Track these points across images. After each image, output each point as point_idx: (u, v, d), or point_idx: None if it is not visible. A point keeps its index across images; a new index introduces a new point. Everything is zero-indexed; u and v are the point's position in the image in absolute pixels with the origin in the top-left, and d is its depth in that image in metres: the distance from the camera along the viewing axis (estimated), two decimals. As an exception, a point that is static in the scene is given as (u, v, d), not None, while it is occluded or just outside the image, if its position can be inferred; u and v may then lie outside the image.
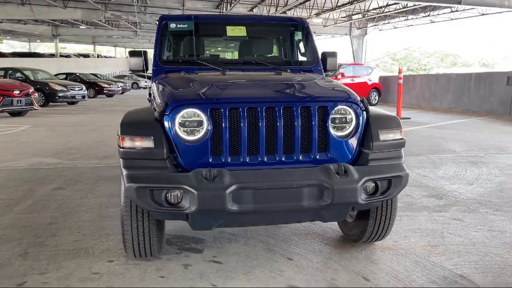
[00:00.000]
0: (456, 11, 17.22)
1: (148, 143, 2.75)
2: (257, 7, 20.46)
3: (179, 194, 2.62)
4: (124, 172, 2.74)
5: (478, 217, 4.21)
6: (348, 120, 2.98)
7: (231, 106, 2.80)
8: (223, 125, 2.77)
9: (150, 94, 4.06)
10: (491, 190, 5.15)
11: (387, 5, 17.53)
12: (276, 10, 18.71)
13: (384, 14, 19.83)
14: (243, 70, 4.04)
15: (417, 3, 12.37)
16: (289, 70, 4.10)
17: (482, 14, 17.82)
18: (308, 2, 16.72)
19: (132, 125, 2.88)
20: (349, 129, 2.98)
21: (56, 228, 3.81)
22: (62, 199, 4.63)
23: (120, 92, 27.16)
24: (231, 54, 4.66)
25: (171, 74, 3.90)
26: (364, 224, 3.29)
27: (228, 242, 3.53)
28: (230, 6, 18.62)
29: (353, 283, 2.89)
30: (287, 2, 17.11)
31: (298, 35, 4.47)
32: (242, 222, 3.01)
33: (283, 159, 2.86)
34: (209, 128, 2.78)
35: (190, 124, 2.81)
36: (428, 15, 18.31)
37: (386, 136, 3.01)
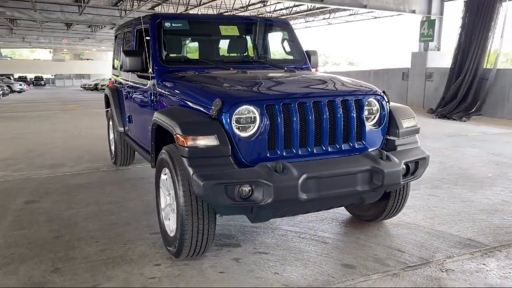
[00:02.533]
0: (355, 14, 18.92)
1: (212, 141, 2.80)
2: (161, 5, 19.96)
3: (249, 188, 2.71)
4: (191, 171, 2.74)
5: (445, 192, 4.88)
6: (374, 111, 3.33)
7: (284, 102, 2.97)
8: (278, 120, 2.92)
9: (155, 94, 3.97)
10: (439, 170, 5.94)
11: (294, 5, 18.38)
12: (186, 9, 18.45)
13: (290, 15, 20.80)
14: (246, 68, 4.16)
15: (326, 5, 13.32)
16: (286, 68, 4.33)
17: (375, 17, 19.83)
18: (216, 1, 16.90)
19: (192, 124, 2.89)
20: (376, 119, 3.33)
21: (68, 241, 3.57)
22: (46, 212, 4.28)
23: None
24: (225, 53, 4.71)
25: (184, 73, 3.88)
26: (384, 204, 3.66)
27: (257, 234, 3.66)
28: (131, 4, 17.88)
29: (391, 256, 3.24)
30: (200, 2, 16.95)
31: (286, 35, 4.71)
32: (302, 209, 3.17)
33: (328, 149, 3.10)
34: (264, 124, 2.90)
35: (245, 121, 2.91)
36: (328, 17, 19.75)
37: (407, 123, 3.42)
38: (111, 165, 6.24)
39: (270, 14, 19.87)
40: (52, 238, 3.63)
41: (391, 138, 3.37)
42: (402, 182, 3.15)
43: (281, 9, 19.99)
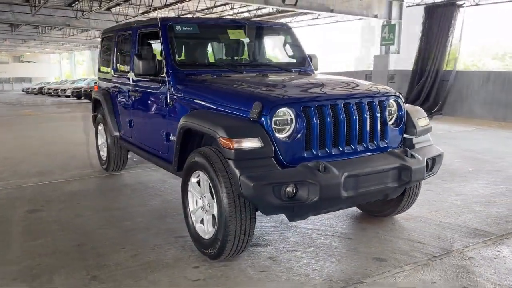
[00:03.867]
0: (317, 18, 19.41)
1: (256, 143, 2.88)
2: (77, 2, 19.20)
3: (294, 187, 2.82)
4: (239, 172, 2.81)
5: (438, 186, 5.21)
6: (393, 111, 3.55)
7: (319, 104, 3.10)
8: (314, 121, 3.05)
9: (172, 98, 3.96)
10: (423, 166, 6.28)
11: (215, 6, 18.30)
12: (99, 6, 18.01)
13: (253, 18, 20.87)
14: (257, 71, 4.27)
15: (295, 9, 13.64)
16: (293, 71, 4.48)
17: (337, 21, 20.43)
18: (180, 4, 16.69)
19: (236, 127, 2.96)
20: (395, 119, 3.54)
21: (92, 249, 3.50)
22: (55, 221, 4.16)
23: None
24: (234, 56, 4.77)
25: (202, 76, 3.92)
26: (399, 200, 3.88)
27: (281, 234, 3.76)
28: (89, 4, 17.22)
29: (414, 248, 3.46)
30: (165, 3, 16.60)
31: (288, 38, 4.84)
32: (337, 207, 3.31)
33: (357, 148, 3.27)
34: (300, 125, 3.02)
35: (281, 122, 3.02)
36: (290, 21, 20.09)
37: (422, 122, 3.66)
38: (102, 171, 6.10)
39: (235, 17, 19.90)
40: (74, 247, 3.55)
41: (409, 137, 3.59)
42: (425, 178, 3.37)
43: (243, 12, 20.12)
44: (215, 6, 18.57)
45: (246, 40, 4.71)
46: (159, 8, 17.75)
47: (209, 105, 3.49)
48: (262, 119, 2.97)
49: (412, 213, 4.24)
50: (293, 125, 3.04)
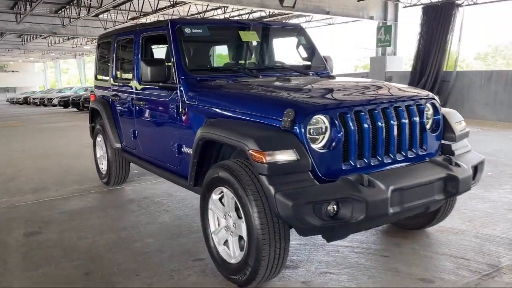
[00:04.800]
0: (310, 21, 19.19)
1: (291, 155, 2.56)
2: (64, 9, 18.74)
3: (335, 205, 2.50)
4: (273, 189, 2.48)
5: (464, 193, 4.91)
6: (429, 115, 3.25)
7: (356, 110, 2.79)
8: (351, 129, 2.74)
9: (184, 106, 3.61)
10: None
11: (206, 10, 17.97)
12: (88, 13, 17.56)
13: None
14: (275, 75, 3.96)
15: (290, 12, 13.39)
16: (311, 74, 4.18)
17: (330, 24, 20.27)
18: (125, 4, 16.20)
19: (268, 138, 2.63)
20: (433, 124, 3.25)
21: (103, 277, 3.14)
22: (57, 245, 3.77)
23: None
24: (247, 60, 4.45)
25: (217, 82, 3.59)
26: (435, 211, 3.57)
27: (309, 253, 3.43)
28: (31, 6, 16.68)
29: (459, 265, 3.16)
30: (101, 3, 16.16)
31: (302, 40, 4.53)
32: (377, 224, 3.00)
33: (396, 157, 2.96)
34: (336, 134, 2.71)
35: (316, 131, 2.71)
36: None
37: (460, 127, 3.37)
38: (102, 185, 5.71)
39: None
40: (82, 276, 3.17)
41: (447, 143, 3.30)
42: (470, 188, 3.08)
43: (234, 16, 19.77)
44: (206, 11, 18.24)
45: (259, 42, 4.38)
46: (149, 14, 17.35)
47: (228, 113, 3.15)
48: (295, 128, 2.65)
49: (444, 224, 3.94)
50: (327, 134, 2.73)
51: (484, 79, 11.26)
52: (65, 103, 25.52)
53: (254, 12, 18.27)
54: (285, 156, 2.55)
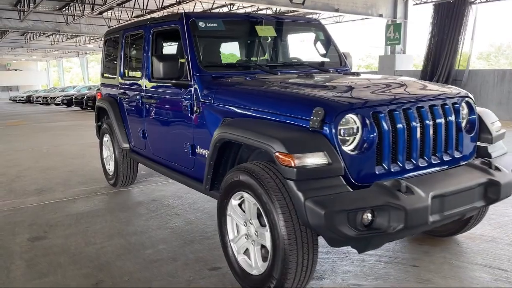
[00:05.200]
0: (318, 19, 18.83)
1: (322, 158, 2.34)
2: (67, 7, 18.49)
3: (371, 214, 2.28)
4: (302, 196, 2.26)
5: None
6: (464, 115, 3.02)
7: (390, 108, 2.57)
8: (386, 129, 2.52)
9: (198, 105, 3.39)
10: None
11: (212, 8, 17.73)
12: (92, 10, 17.33)
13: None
14: (294, 72, 3.75)
15: (300, 9, 13.17)
16: (331, 71, 3.97)
17: (337, 22, 20.05)
18: (129, 2, 15.97)
19: (296, 140, 2.41)
20: (468, 124, 3.02)
21: (118, 284, 2.91)
22: (63, 251, 3.55)
23: None
24: (264, 56, 4.23)
25: (234, 79, 3.37)
26: (468, 218, 3.34)
27: (334, 262, 3.21)
28: (34, 4, 16.46)
29: (498, 277, 2.93)
30: (105, 1, 15.95)
31: (321, 35, 4.31)
32: (413, 233, 2.78)
33: (432, 161, 2.74)
34: (368, 135, 2.49)
35: (347, 132, 2.49)
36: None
37: (496, 127, 3.14)
38: (109, 187, 5.49)
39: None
40: (91, 286, 2.95)
41: (483, 144, 3.07)
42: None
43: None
44: (212, 8, 18.01)
45: (275, 37, 4.16)
46: (155, 11, 17.13)
47: (249, 112, 2.93)
48: (325, 128, 2.42)
49: (473, 231, 3.71)
50: (359, 135, 2.51)
51: (497, 78, 11.00)
52: (68, 102, 25.34)
53: (261, 10, 18.05)
54: (315, 159, 2.33)
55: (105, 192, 5.30)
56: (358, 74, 3.63)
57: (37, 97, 35.51)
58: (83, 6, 17.24)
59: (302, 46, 4.37)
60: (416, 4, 13.57)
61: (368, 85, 3.11)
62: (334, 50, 4.29)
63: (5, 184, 5.90)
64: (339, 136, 2.44)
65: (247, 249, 2.81)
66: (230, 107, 3.10)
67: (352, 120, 2.50)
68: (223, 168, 3.19)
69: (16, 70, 60.69)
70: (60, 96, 28.48)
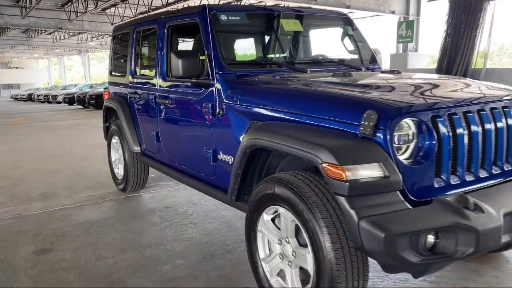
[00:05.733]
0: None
1: (378, 170, 2.02)
2: (70, 3, 18.10)
3: (433, 236, 1.95)
4: (356, 215, 1.94)
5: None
6: None
7: (450, 112, 2.25)
8: (446, 135, 2.21)
9: (221, 106, 3.07)
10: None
11: (219, 2, 17.41)
12: (96, 6, 16.95)
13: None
14: (324, 70, 3.43)
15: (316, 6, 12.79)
16: (363, 69, 3.65)
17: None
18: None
19: (346, 148, 2.08)
20: None
21: (130, 312, 2.60)
22: (72, 267, 3.23)
23: None
24: (290, 52, 3.90)
25: (261, 77, 3.05)
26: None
27: (375, 283, 2.88)
28: (36, 0, 16.09)
29: (560, 299, 2.60)
30: None
31: (350, 30, 3.98)
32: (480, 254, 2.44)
33: (493, 171, 2.42)
34: (426, 142, 2.17)
35: (403, 139, 2.17)
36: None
37: None
38: (117, 192, 5.18)
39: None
40: (105, 309, 2.63)
41: None
42: None
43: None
44: (218, 4, 17.60)
45: (301, 32, 3.83)
46: (159, 8, 16.78)
47: (282, 115, 2.60)
48: (378, 134, 2.10)
49: (520, 244, 3.38)
50: (414, 142, 2.18)
51: (515, 77, 10.68)
52: (70, 100, 25.03)
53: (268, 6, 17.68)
54: (370, 171, 2.01)
55: (114, 198, 4.98)
56: (398, 72, 3.31)
57: (38, 95, 35.25)
58: (86, 3, 16.91)
59: (329, 42, 4.04)
60: (430, 0, 13.23)
61: (418, 85, 2.78)
62: (364, 46, 3.97)
63: (7, 188, 5.58)
64: (396, 143, 2.12)
65: (281, 270, 2.49)
66: (259, 109, 2.78)
67: (407, 125, 2.18)
68: (250, 177, 2.87)
69: (17, 68, 60.46)
70: (62, 94, 28.18)
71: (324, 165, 2.04)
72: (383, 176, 2.01)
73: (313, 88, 2.64)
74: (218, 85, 3.11)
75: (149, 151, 4.42)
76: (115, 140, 5.11)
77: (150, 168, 4.84)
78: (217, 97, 3.12)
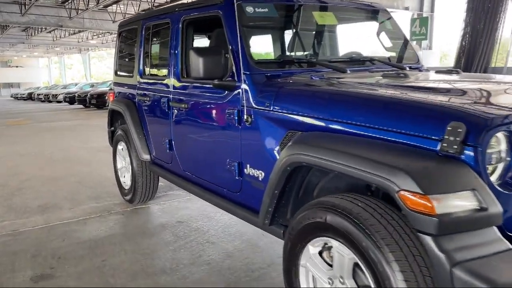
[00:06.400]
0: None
1: (473, 201, 1.57)
2: (71, 0, 17.66)
3: None
4: (447, 261, 1.51)
5: None
6: None
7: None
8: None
9: (249, 112, 2.62)
10: None
11: None
12: (97, 3, 16.44)
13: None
14: (366, 70, 2.98)
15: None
16: (407, 68, 3.20)
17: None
18: None
19: (432, 172, 1.62)
20: None
21: None
22: (75, 297, 2.79)
23: None
24: (323, 48, 3.46)
25: (299, 78, 2.61)
26: None
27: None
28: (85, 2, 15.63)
29: None
30: None
31: (388, 25, 3.53)
32: None
33: None
34: None
35: (495, 158, 1.72)
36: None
37: None
38: (124, 203, 4.73)
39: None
40: None
41: None
42: None
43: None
44: None
45: (335, 27, 3.39)
46: (163, 5, 16.31)
47: (331, 125, 2.15)
48: (468, 152, 1.65)
49: None
50: (504, 160, 1.74)
51: (538, 76, 10.18)
52: (71, 99, 24.61)
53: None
54: (463, 202, 1.57)
55: (120, 210, 4.54)
56: (457, 72, 2.86)
57: (38, 95, 34.85)
58: (87, 0, 16.44)
59: (364, 38, 3.59)
60: (445, -4, 12.78)
61: (493, 89, 2.33)
62: (404, 42, 3.52)
63: (4, 198, 5.13)
64: (486, 165, 1.68)
65: (331, 314, 2.04)
66: (299, 117, 2.32)
67: (497, 139, 1.73)
68: (285, 197, 2.42)
69: (17, 67, 60.09)
70: (62, 94, 27.78)
71: (402, 193, 1.59)
72: (479, 207, 1.57)
73: (373, 93, 2.18)
74: (245, 87, 2.66)
75: (160, 160, 3.98)
76: (121, 146, 4.67)
77: (159, 177, 4.40)
78: (244, 101, 2.67)
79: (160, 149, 3.92)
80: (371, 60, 3.20)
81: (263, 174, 2.59)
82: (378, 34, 3.55)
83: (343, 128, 2.09)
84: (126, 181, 4.65)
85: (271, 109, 2.49)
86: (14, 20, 18.66)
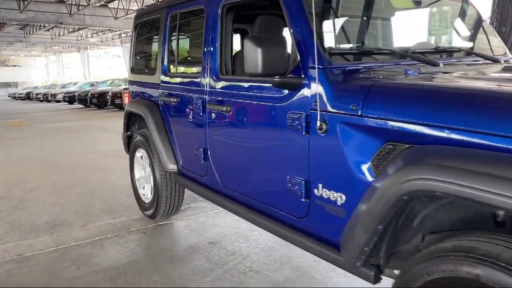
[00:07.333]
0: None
1: None
2: None
3: None
4: None
5: None
6: None
7: None
8: None
9: (324, 119, 2.03)
10: None
11: None
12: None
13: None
14: (460, 63, 2.41)
15: None
16: (502, 60, 2.64)
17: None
18: None
19: None
20: None
21: None
22: None
23: None
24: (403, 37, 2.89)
25: (390, 74, 2.03)
26: None
27: None
28: None
29: None
30: None
31: (468, 10, 2.97)
32: None
33: None
34: None
35: None
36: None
37: None
38: (143, 218, 4.15)
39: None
40: None
41: None
42: None
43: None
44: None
45: (414, 11, 2.81)
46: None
47: (458, 135, 1.57)
48: None
49: None
50: None
51: None
52: (70, 99, 24.03)
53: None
54: None
55: (141, 227, 3.95)
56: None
57: (37, 94, 34.25)
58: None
59: (443, 25, 3.01)
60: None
61: None
62: (489, 31, 2.95)
63: (7, 213, 4.53)
64: None
65: None
66: (407, 125, 1.74)
67: None
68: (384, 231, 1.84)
69: (14, 66, 59.37)
70: (61, 93, 27.18)
71: None
72: None
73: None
74: (316, 86, 2.08)
75: (189, 171, 3.40)
76: (140, 153, 4.08)
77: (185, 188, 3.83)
78: (315, 103, 2.09)
79: (190, 158, 3.34)
80: (459, 50, 2.62)
81: (343, 198, 2.01)
82: (453, 19, 2.99)
83: (472, 140, 1.51)
84: (146, 193, 4.07)
85: (360, 113, 1.90)
86: (12, 17, 18.01)
